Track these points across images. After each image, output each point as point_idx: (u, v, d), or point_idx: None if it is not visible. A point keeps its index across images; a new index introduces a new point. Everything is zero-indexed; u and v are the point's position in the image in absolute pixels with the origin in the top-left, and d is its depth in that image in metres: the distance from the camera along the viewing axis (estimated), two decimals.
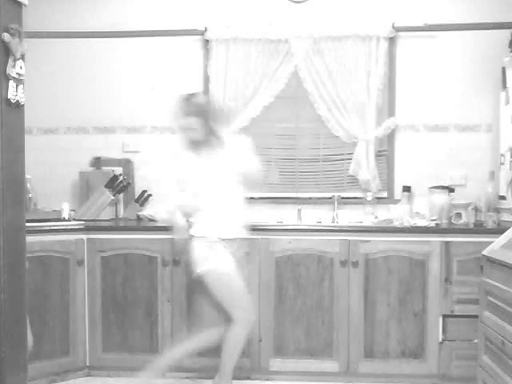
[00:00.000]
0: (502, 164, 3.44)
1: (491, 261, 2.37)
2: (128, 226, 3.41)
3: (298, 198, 3.78)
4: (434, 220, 3.31)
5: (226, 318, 2.71)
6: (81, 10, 3.84)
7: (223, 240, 2.69)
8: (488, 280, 2.38)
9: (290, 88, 3.75)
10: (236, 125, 3.72)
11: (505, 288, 2.20)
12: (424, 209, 3.52)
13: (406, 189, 3.63)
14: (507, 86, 3.39)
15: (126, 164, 3.79)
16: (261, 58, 3.73)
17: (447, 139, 3.70)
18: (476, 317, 2.53)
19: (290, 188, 3.85)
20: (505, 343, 2.16)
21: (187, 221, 2.75)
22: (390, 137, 3.74)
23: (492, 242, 2.47)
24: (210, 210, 2.73)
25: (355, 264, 3.14)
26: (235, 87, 3.73)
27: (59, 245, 3.15)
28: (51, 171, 3.84)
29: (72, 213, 3.50)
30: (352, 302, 3.15)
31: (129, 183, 3.70)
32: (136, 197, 3.76)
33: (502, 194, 3.42)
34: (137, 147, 3.86)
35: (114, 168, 3.73)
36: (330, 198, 3.72)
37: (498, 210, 3.39)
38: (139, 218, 3.63)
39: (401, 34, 3.68)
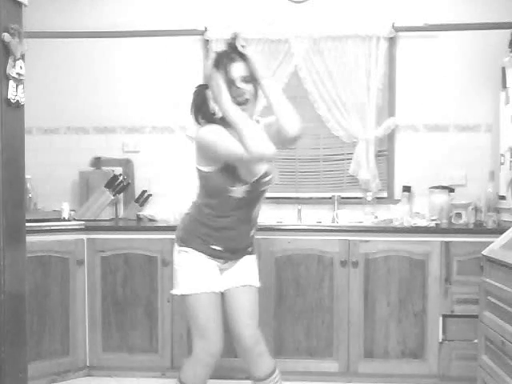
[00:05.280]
0: (502, 164, 3.44)
1: (491, 261, 2.37)
2: (128, 225, 3.41)
3: (297, 198, 3.77)
4: (434, 220, 3.31)
5: None
6: (81, 10, 3.84)
7: None
8: (488, 280, 2.38)
9: (290, 88, 3.74)
10: None
11: (505, 288, 2.20)
12: (424, 209, 3.52)
13: (406, 189, 3.63)
14: (507, 85, 3.39)
15: (126, 164, 3.79)
16: (261, 57, 3.72)
17: (447, 139, 3.70)
18: (476, 317, 2.53)
19: (290, 188, 3.84)
20: (505, 343, 2.16)
21: None
22: (390, 137, 3.74)
23: (492, 242, 2.47)
24: None
25: (355, 264, 3.14)
26: None
27: (59, 245, 3.15)
28: (51, 171, 3.84)
29: (72, 213, 3.49)
30: (352, 302, 3.15)
31: (129, 183, 3.70)
32: (136, 197, 3.76)
33: (502, 194, 3.42)
34: (137, 147, 3.86)
35: (113, 168, 3.74)
36: (330, 198, 3.72)
37: (497, 210, 3.39)
38: (139, 218, 3.63)
39: (401, 33, 3.68)
